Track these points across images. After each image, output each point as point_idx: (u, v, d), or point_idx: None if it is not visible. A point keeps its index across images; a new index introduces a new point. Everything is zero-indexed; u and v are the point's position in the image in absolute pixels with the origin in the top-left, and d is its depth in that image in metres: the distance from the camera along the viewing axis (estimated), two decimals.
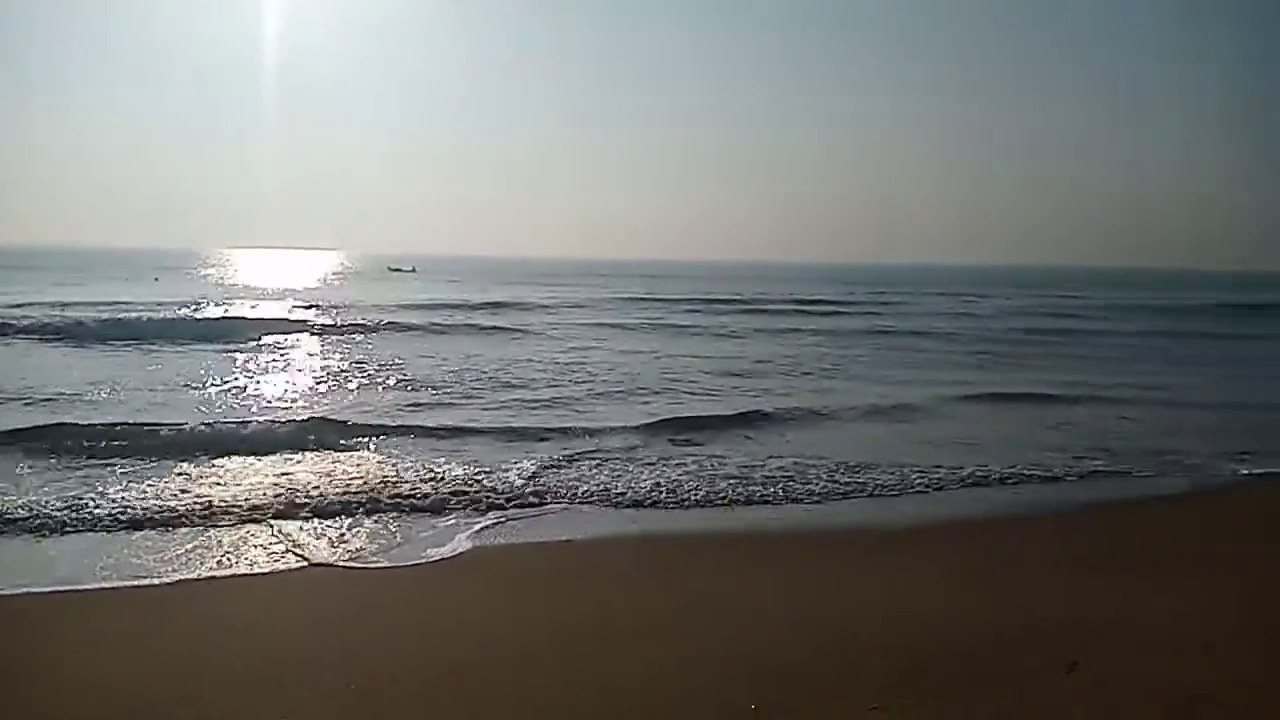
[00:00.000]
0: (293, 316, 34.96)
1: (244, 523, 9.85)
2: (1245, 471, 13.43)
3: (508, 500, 10.95)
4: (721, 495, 11.53)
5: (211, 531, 9.55)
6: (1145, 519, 11.21)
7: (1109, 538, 10.21)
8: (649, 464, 12.86)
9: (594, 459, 13.00)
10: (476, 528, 9.99)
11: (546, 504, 11.00)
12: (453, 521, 10.23)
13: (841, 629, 7.14)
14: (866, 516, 11.03)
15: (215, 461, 12.31)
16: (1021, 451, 14.31)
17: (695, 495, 11.51)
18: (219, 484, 11.22)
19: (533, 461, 12.63)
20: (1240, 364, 28.70)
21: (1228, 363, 28.89)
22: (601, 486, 11.70)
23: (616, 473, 12.33)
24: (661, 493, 11.54)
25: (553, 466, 12.48)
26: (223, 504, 10.31)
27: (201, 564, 8.64)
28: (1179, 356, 30.23)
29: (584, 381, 20.93)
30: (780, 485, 11.97)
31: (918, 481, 12.30)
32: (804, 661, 6.40)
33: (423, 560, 9.00)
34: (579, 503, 11.13)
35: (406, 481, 11.46)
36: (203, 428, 13.94)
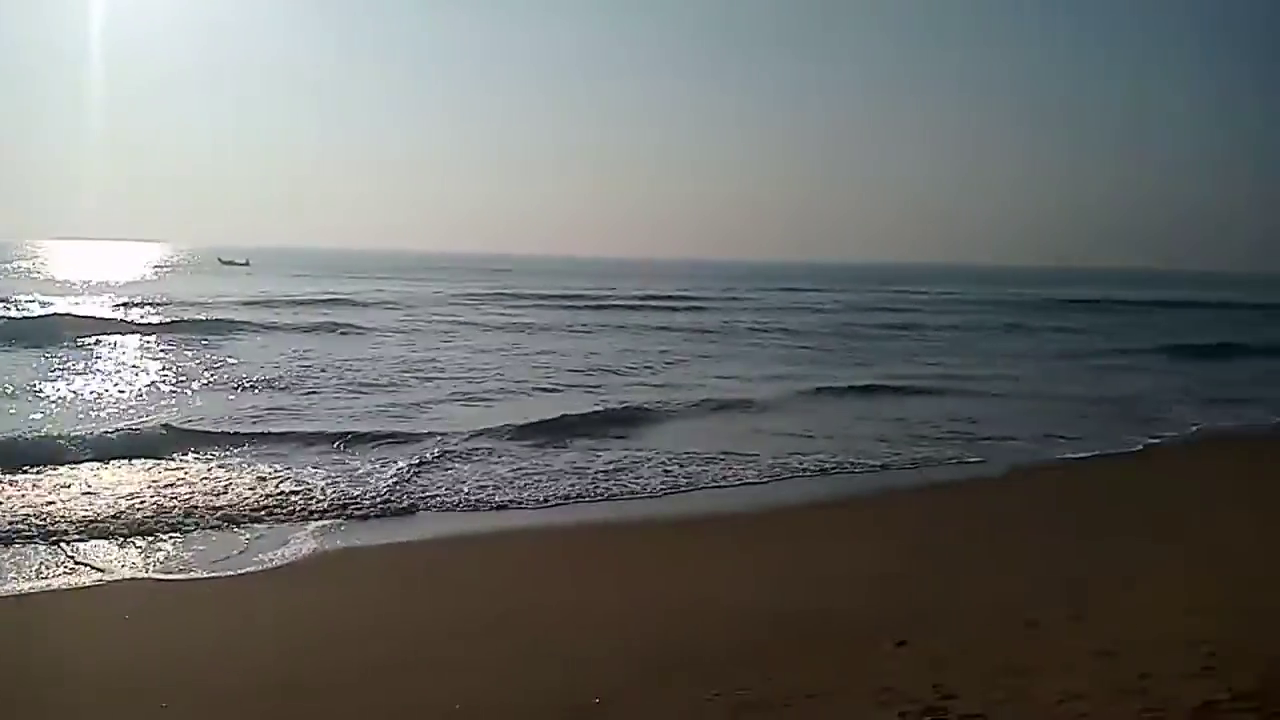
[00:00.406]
0: (110, 314, 32.40)
1: (48, 538, 9.02)
2: (1061, 455, 14.35)
3: (345, 506, 10.49)
4: (567, 494, 11.45)
5: (14, 548, 8.73)
6: (969, 502, 11.81)
7: (935, 520, 10.70)
8: (495, 464, 12.62)
9: (439, 462, 12.60)
10: (310, 534, 9.55)
11: (389, 508, 10.62)
12: (287, 529, 9.73)
13: (683, 616, 7.23)
14: (707, 507, 11.24)
15: (26, 473, 11.20)
16: (855, 441, 14.89)
17: (542, 494, 11.37)
18: (29, 498, 10.25)
19: (376, 465, 12.20)
20: (1059, 356, 30.62)
21: (1048, 355, 30.76)
22: (445, 489, 11.38)
23: (461, 475, 12.04)
24: (509, 493, 11.34)
25: (396, 471, 11.98)
26: (31, 519, 9.44)
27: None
28: (1003, 349, 32.12)
29: (431, 381, 20.31)
30: (623, 480, 12.05)
31: (752, 472, 12.61)
32: (646, 649, 6.44)
33: (253, 570, 8.51)
34: (424, 508, 10.77)
35: (239, 489, 10.83)
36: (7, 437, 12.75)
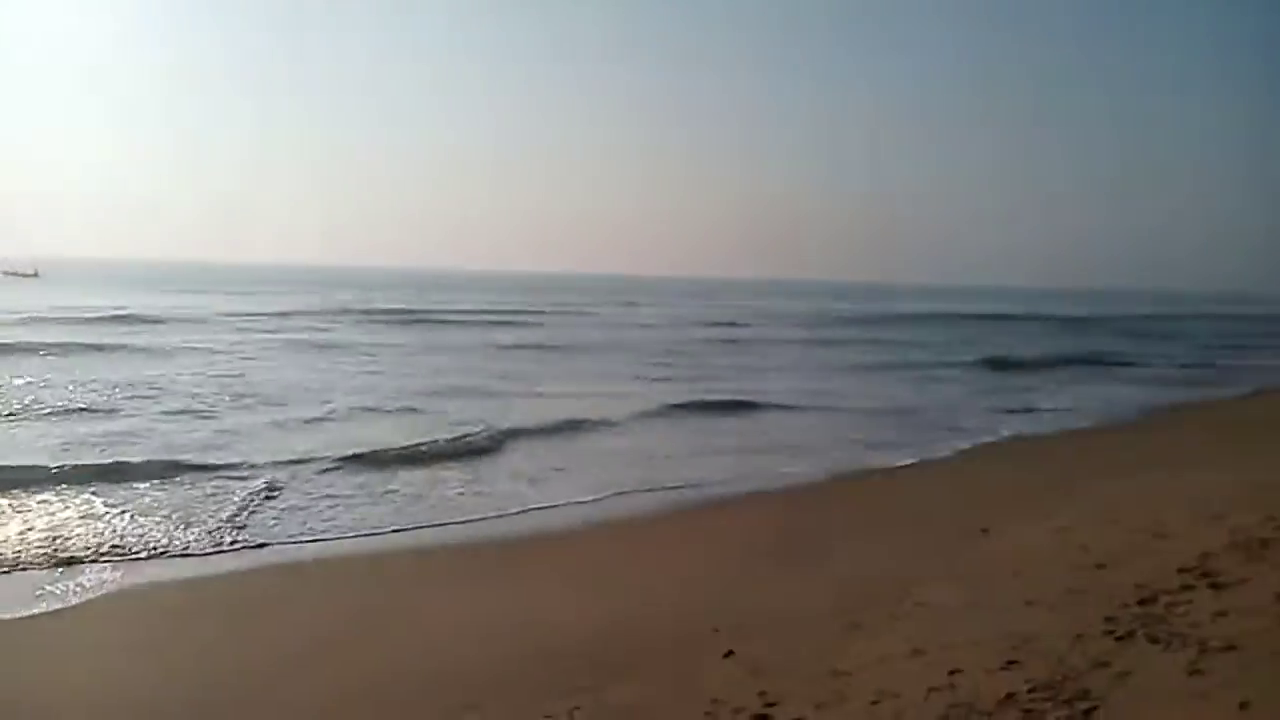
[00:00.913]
0: None
1: None
2: (880, 464, 15.04)
3: (160, 543, 9.84)
4: (394, 522, 11.11)
5: None
6: (792, 510, 12.18)
7: (759, 530, 10.98)
8: (321, 494, 12.11)
9: (267, 493, 11.98)
10: (108, 575, 8.89)
11: (213, 543, 10.05)
12: (84, 570, 9.03)
13: (511, 638, 7.18)
14: (535, 527, 11.14)
15: None
16: (685, 457, 15.17)
17: (368, 523, 11.02)
18: None
19: (197, 498, 11.57)
20: (881, 368, 32.09)
21: (872, 367, 32.19)
22: (273, 521, 10.89)
23: (287, 505, 11.51)
24: (337, 523, 10.92)
25: (220, 504, 11.38)
26: None
27: None
28: (829, 361, 33.45)
29: (244, 405, 19.23)
30: (452, 504, 11.89)
31: (582, 490, 12.65)
32: (471, 675, 6.32)
33: (50, 613, 7.86)
34: (249, 542, 10.18)
35: (39, 529, 10.01)
36: None
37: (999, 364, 32.26)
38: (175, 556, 9.56)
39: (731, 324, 54.27)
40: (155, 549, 9.66)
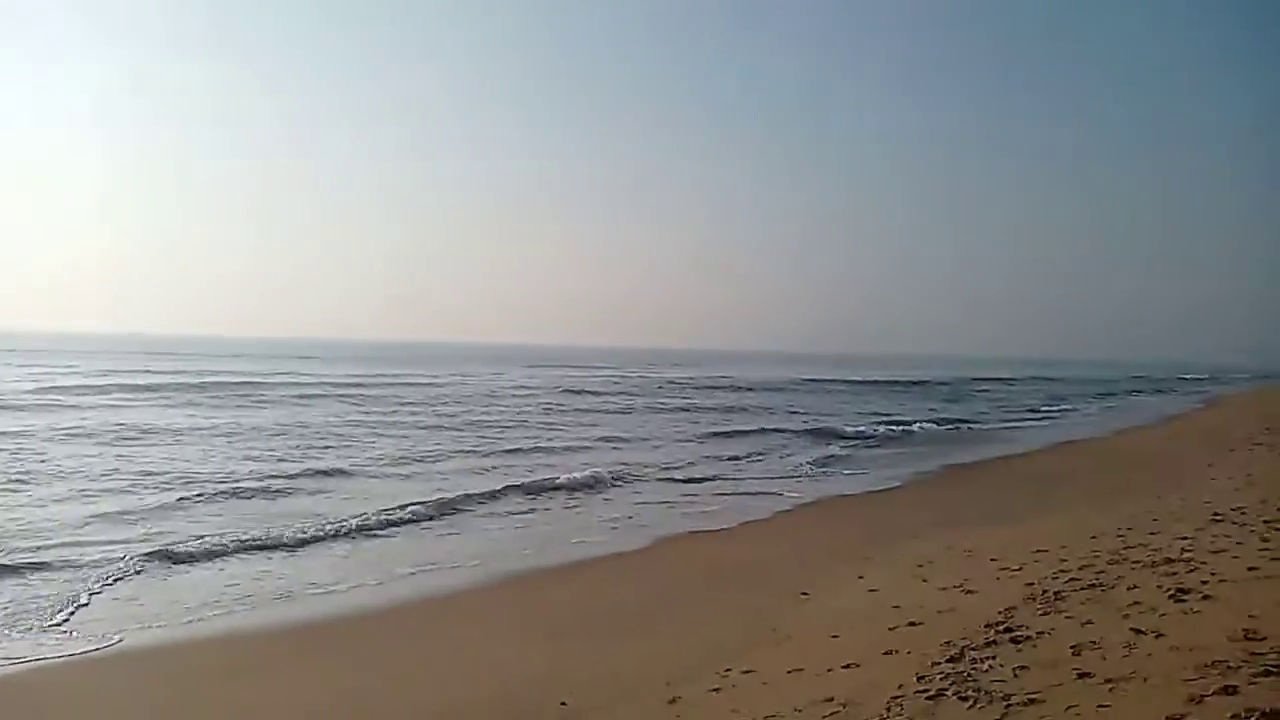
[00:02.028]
0: None
1: None
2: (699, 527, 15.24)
3: None
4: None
5: None
6: (613, 578, 12.06)
7: (582, 600, 10.77)
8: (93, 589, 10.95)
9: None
10: None
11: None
12: None
13: None
14: (321, 613, 10.43)
15: None
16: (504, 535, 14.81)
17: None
18: None
19: None
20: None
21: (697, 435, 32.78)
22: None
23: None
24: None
25: None
26: None
27: None
28: (649, 425, 33.88)
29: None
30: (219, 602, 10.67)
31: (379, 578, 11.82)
32: None
33: None
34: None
35: None
36: None
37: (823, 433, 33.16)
38: None
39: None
40: None
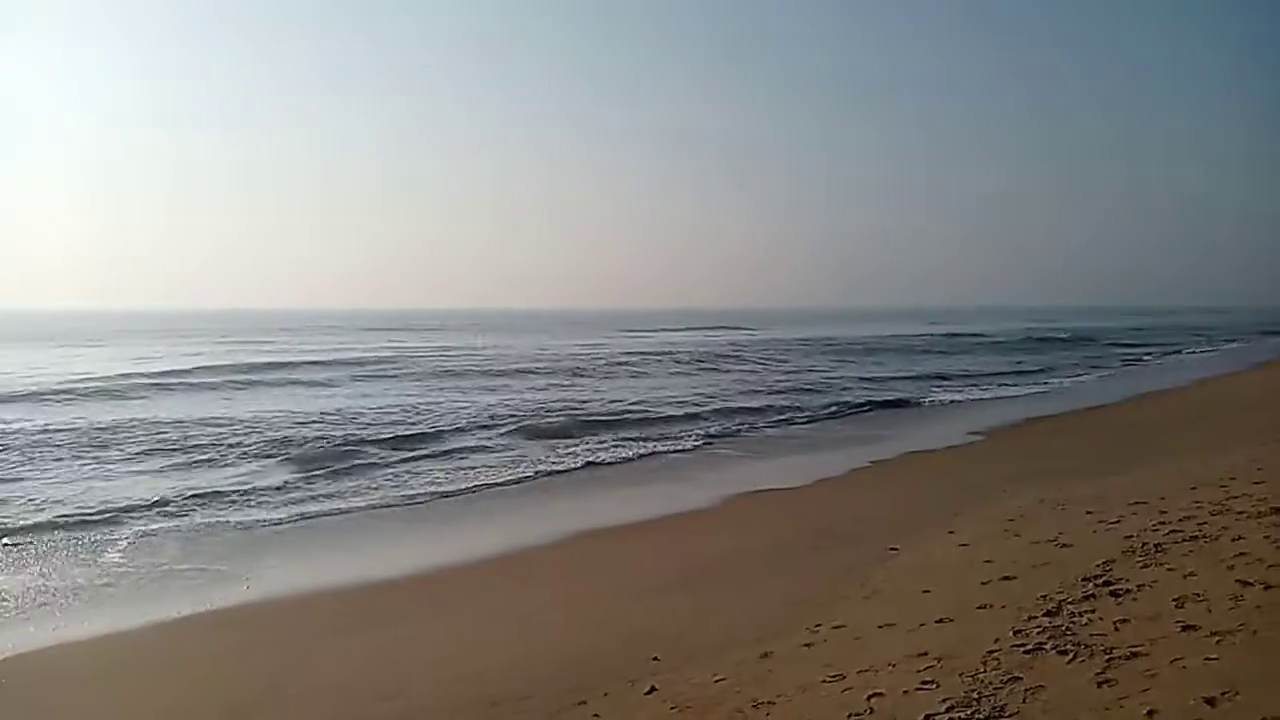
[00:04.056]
0: None
1: None
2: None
3: None
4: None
5: None
6: (688, 537, 12.12)
7: (659, 560, 10.84)
8: None
9: None
10: None
11: None
12: None
13: (442, 689, 6.78)
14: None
15: None
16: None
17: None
18: None
19: None
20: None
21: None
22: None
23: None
24: None
25: None
26: None
27: None
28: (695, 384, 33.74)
29: None
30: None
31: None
32: None
33: None
34: None
35: None
36: None
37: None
38: None
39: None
40: None
